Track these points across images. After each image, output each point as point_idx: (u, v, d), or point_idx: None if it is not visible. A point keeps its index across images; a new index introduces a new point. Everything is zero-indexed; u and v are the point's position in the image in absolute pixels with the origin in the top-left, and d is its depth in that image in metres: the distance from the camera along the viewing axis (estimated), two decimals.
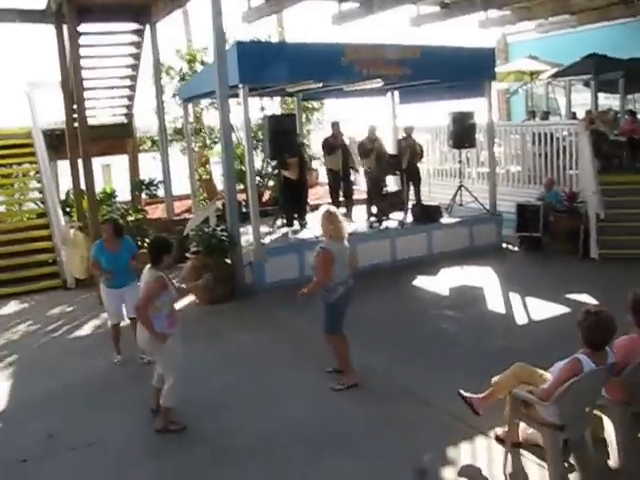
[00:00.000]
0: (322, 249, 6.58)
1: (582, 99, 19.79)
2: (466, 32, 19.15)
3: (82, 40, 12.56)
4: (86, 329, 9.50)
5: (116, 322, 7.92)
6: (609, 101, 19.03)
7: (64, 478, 5.43)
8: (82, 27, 12.43)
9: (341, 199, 13.32)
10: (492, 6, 15.62)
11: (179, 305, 9.95)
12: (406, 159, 13.32)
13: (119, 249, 7.81)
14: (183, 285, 10.43)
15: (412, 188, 13.77)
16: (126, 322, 7.93)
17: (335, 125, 13.04)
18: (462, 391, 5.68)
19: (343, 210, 12.64)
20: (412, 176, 13.65)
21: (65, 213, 12.98)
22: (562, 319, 8.54)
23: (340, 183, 13.32)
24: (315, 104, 18.39)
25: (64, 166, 14.13)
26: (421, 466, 5.21)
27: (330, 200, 13.13)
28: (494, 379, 5.49)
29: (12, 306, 10.95)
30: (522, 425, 5.27)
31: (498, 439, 5.50)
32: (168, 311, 5.98)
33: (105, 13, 12.99)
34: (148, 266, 6.08)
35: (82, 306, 10.59)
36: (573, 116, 17.67)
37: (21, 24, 13.50)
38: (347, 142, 13.44)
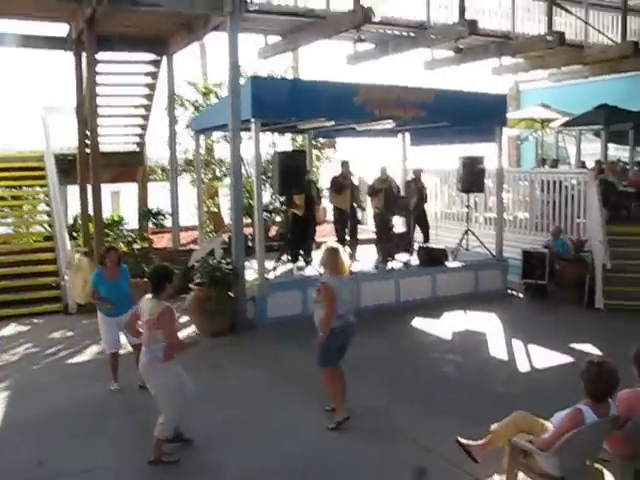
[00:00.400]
0: (323, 284, 6.59)
1: (592, 149, 19.86)
2: (479, 78, 19.33)
3: (99, 68, 12.72)
4: (85, 355, 9.45)
5: (114, 351, 7.88)
6: (619, 152, 19.10)
7: None
8: (100, 55, 12.58)
9: (347, 237, 13.30)
10: (506, 53, 15.75)
11: (179, 336, 9.94)
12: (414, 201, 13.36)
13: (118, 278, 7.82)
14: (186, 316, 10.44)
15: (420, 230, 13.78)
16: (124, 350, 7.89)
17: (345, 164, 13.10)
18: (460, 438, 5.61)
19: (348, 249, 12.62)
20: (420, 218, 13.67)
21: (71, 237, 13.01)
22: (565, 369, 8.47)
23: (347, 222, 13.30)
24: (329, 142, 18.54)
25: (74, 191, 14.20)
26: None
27: (336, 238, 13.14)
28: (493, 426, 5.42)
29: (12, 328, 10.91)
30: (520, 475, 5.18)
31: None
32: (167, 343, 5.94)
33: (124, 43, 13.20)
34: (149, 295, 6.02)
35: (82, 331, 10.53)
36: (582, 165, 17.72)
37: (43, 50, 13.72)
38: (356, 182, 13.44)
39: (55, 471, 5.87)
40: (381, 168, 13.28)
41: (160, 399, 6.01)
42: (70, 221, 14.63)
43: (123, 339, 7.93)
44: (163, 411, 5.98)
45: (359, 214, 14.03)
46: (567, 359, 8.89)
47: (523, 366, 8.79)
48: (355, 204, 13.19)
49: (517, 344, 9.69)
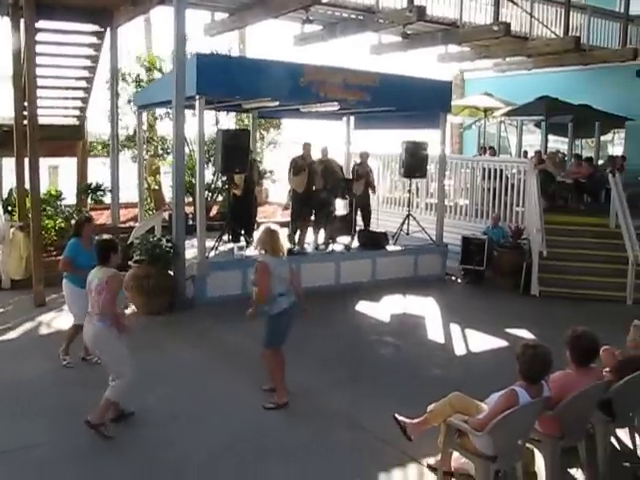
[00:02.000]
0: (259, 263, 6.58)
1: (532, 140, 20.28)
2: (425, 65, 19.45)
3: (39, 36, 12.32)
4: (19, 331, 9.21)
5: (81, 323, 7.69)
6: (557, 144, 19.56)
7: None
8: (40, 23, 12.19)
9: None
10: (452, 41, 15.92)
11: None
12: (360, 185, 13.37)
13: (91, 248, 7.69)
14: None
15: (361, 214, 13.79)
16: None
17: (307, 146, 12.85)
18: (397, 415, 5.67)
19: (299, 231, 12.61)
20: (363, 202, 13.69)
21: (6, 211, 12.64)
22: (500, 352, 8.64)
23: (302, 204, 13.06)
24: (273, 122, 18.48)
25: (9, 164, 13.79)
26: None
27: (290, 219, 12.98)
28: (430, 407, 5.49)
29: None
30: (455, 454, 5.26)
31: (430, 467, 5.48)
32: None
33: (66, 12, 12.76)
34: (97, 267, 6.13)
35: (16, 308, 10.28)
36: (524, 155, 18.06)
37: None
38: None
39: None
40: (322, 149, 13.23)
41: (112, 365, 6.02)
42: (5, 194, 14.22)
43: None
44: (115, 374, 5.98)
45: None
46: (502, 343, 9.07)
47: (460, 349, 8.93)
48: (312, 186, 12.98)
49: (454, 328, 9.84)
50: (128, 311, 9.98)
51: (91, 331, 6.03)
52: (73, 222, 12.16)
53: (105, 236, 6.57)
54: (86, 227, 7.86)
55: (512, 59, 18.27)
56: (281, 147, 19.38)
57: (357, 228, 13.40)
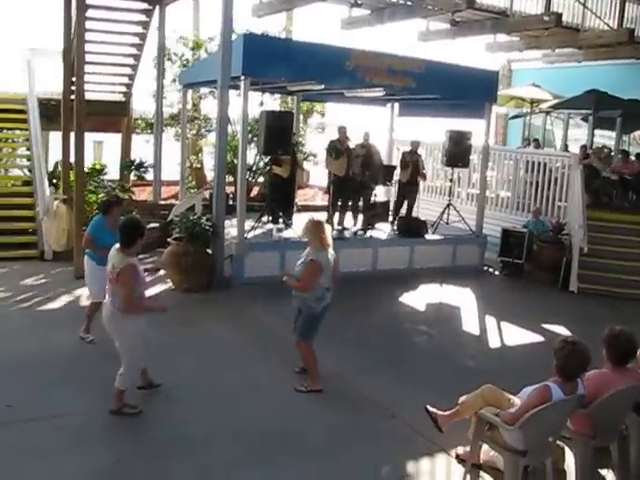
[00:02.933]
0: (312, 261, 6.51)
1: (578, 134, 19.95)
2: (472, 53, 19.20)
3: (90, 12, 12.43)
4: (58, 302, 9.37)
5: (99, 300, 7.80)
6: (603, 139, 19.19)
7: (18, 448, 5.33)
8: (91, 0, 12.32)
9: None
10: (501, 30, 15.67)
11: (155, 290, 9.92)
12: (408, 173, 13.34)
13: (116, 228, 7.78)
14: (162, 270, 10.38)
15: (406, 202, 13.78)
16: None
17: (342, 129, 12.83)
18: (428, 406, 5.66)
19: (337, 215, 12.63)
20: (410, 191, 13.67)
21: (51, 184, 12.83)
22: (535, 347, 8.58)
23: (341, 188, 13.07)
24: (318, 106, 18.45)
25: (56, 137, 14.00)
26: None
27: (328, 203, 12.98)
28: (461, 398, 5.48)
29: None
30: (484, 447, 5.25)
31: (459, 458, 5.47)
32: (138, 295, 5.91)
33: None
34: (117, 247, 5.93)
35: (56, 279, 10.46)
36: (565, 149, 17.78)
37: None
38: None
39: (25, 415, 5.84)
40: (364, 134, 13.18)
41: (120, 348, 6.00)
42: (50, 168, 14.44)
43: None
44: (124, 361, 5.98)
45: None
46: (538, 338, 9.00)
47: (494, 342, 8.88)
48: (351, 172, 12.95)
49: (490, 320, 9.79)
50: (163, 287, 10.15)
51: (104, 312, 6.06)
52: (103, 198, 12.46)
53: (131, 216, 6.39)
54: (114, 209, 7.76)
55: (562, 50, 17.96)
56: (324, 131, 19.35)
57: (400, 215, 13.38)
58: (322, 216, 7.01)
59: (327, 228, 6.72)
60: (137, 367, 6.12)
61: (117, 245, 5.93)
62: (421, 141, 14.10)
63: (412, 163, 13.47)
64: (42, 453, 5.27)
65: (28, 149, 13.62)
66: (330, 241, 6.68)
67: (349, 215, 12.97)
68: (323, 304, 6.64)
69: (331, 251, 6.69)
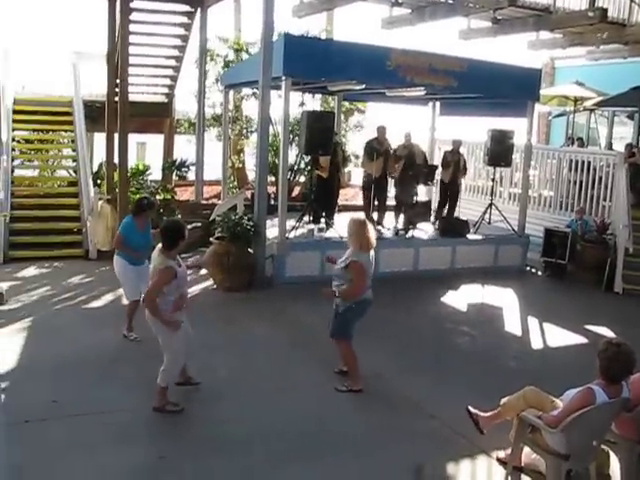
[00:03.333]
0: (354, 262, 6.47)
1: (623, 132, 19.59)
2: (514, 52, 18.99)
3: (133, 16, 12.65)
4: (102, 301, 9.55)
5: (136, 299, 7.94)
6: None
7: (63, 442, 5.44)
8: (135, 3, 12.52)
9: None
10: (544, 28, 15.46)
11: (196, 289, 10.04)
12: (449, 172, 13.29)
13: (146, 228, 7.90)
14: (204, 269, 10.49)
15: (448, 202, 13.73)
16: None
17: (381, 129, 12.82)
18: (470, 407, 5.63)
19: (375, 215, 12.61)
20: (452, 190, 13.62)
21: (95, 184, 13.07)
22: (578, 349, 8.46)
23: (375, 188, 13.04)
24: (360, 106, 18.43)
25: (100, 138, 14.23)
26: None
27: (363, 203, 12.97)
28: (503, 400, 5.43)
29: (33, 269, 11.04)
30: (526, 449, 5.19)
31: (500, 461, 5.43)
32: (176, 297, 5.95)
33: None
34: (159, 249, 6.00)
35: (101, 277, 10.63)
36: (610, 147, 17.46)
37: None
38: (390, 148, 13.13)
39: (69, 411, 5.96)
40: (405, 134, 13.14)
41: (162, 344, 6.07)
42: (95, 168, 14.69)
43: None
44: (166, 359, 6.05)
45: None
46: (581, 339, 8.87)
47: (537, 343, 8.78)
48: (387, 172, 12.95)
49: (532, 321, 9.68)
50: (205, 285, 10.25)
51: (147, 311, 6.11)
52: (158, 198, 12.62)
53: (172, 219, 6.45)
54: (147, 212, 7.89)
55: (607, 47, 17.61)
56: (365, 130, 19.32)
57: (442, 215, 13.33)
58: (361, 216, 6.95)
59: (371, 228, 6.70)
60: (179, 364, 6.19)
61: (159, 246, 6.00)
62: (463, 140, 14.01)
63: (454, 162, 13.41)
64: (86, 448, 5.37)
65: (73, 150, 13.88)
66: (374, 242, 6.66)
67: (390, 215, 12.95)
68: (363, 301, 6.60)
69: (372, 253, 6.69)
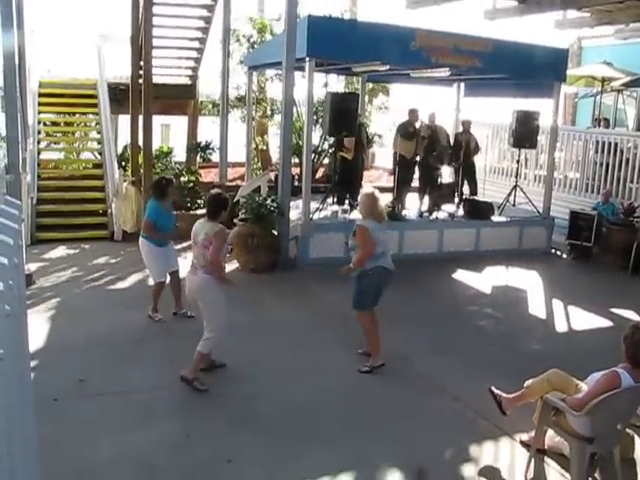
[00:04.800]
0: (359, 226, 6.58)
1: None
2: (540, 31, 18.74)
3: None
4: (127, 282, 9.64)
5: (162, 280, 8.01)
6: None
7: (90, 420, 5.54)
8: None
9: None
10: (572, 6, 15.21)
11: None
12: (461, 153, 13.21)
13: (169, 209, 7.99)
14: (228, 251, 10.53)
15: (467, 183, 13.64)
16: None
17: (414, 112, 12.79)
18: (493, 388, 5.62)
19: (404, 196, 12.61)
20: (467, 170, 13.52)
21: (120, 166, 13.15)
22: (603, 332, 8.39)
23: (409, 170, 13.04)
24: (383, 87, 18.33)
25: (125, 120, 14.30)
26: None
27: (395, 184, 12.94)
28: (527, 382, 5.42)
29: (59, 251, 11.16)
30: (550, 432, 5.19)
31: (523, 443, 5.43)
32: (223, 258, 6.20)
33: None
34: (204, 219, 6.26)
35: (126, 259, 10.73)
36: (638, 128, 17.17)
37: None
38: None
39: (96, 390, 6.07)
40: (429, 114, 13.07)
41: (209, 314, 6.20)
42: (119, 150, 14.77)
43: None
44: (211, 326, 6.17)
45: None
46: (607, 323, 8.81)
47: (561, 326, 8.74)
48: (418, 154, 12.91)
49: (557, 304, 9.62)
50: (230, 267, 10.29)
51: (197, 282, 6.20)
52: (182, 179, 12.66)
53: (216, 191, 6.64)
54: (169, 190, 7.96)
55: (636, 25, 17.32)
56: (389, 112, 19.23)
57: (463, 197, 13.24)
58: (387, 197, 6.95)
59: (380, 202, 6.73)
60: (223, 334, 6.27)
61: (203, 218, 6.29)
62: (472, 120, 13.88)
63: (465, 143, 13.29)
64: (113, 427, 5.46)
65: (98, 132, 13.97)
66: (382, 213, 6.72)
67: (415, 197, 12.91)
68: (376, 264, 6.57)
69: (383, 224, 6.71)
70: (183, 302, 7.95)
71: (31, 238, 11.47)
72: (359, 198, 6.82)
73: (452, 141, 13.61)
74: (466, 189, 13.80)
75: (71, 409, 5.72)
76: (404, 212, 12.09)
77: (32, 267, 9.55)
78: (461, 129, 13.68)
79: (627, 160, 13.14)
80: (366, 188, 7.06)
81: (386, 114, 19.26)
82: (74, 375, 6.30)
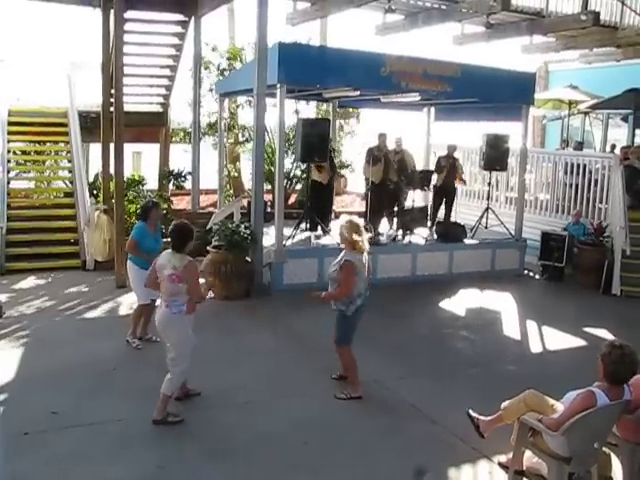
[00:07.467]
0: (347, 262, 6.49)
1: (618, 134, 19.62)
2: (508, 56, 19.03)
3: (127, 26, 12.64)
4: (100, 311, 9.53)
5: (147, 302, 7.92)
6: None
7: (63, 453, 5.42)
8: (129, 13, 12.51)
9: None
10: (537, 32, 15.51)
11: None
12: (442, 177, 13.29)
13: (156, 231, 7.99)
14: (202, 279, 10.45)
15: (444, 206, 13.72)
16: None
17: (382, 136, 12.87)
18: (471, 411, 5.62)
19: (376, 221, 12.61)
20: (447, 194, 13.62)
21: (92, 195, 13.05)
22: (577, 351, 8.47)
23: (378, 195, 13.02)
24: (353, 112, 18.47)
25: (95, 149, 14.22)
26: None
27: (364, 209, 12.96)
28: (504, 404, 5.42)
29: (30, 281, 11.01)
30: (527, 453, 5.19)
31: (501, 465, 5.42)
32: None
33: (152, 2, 13.09)
34: (170, 251, 6.10)
35: (98, 288, 10.62)
36: (612, 149, 17.40)
37: (70, 6, 13.70)
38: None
39: (68, 422, 5.95)
40: (395, 139, 13.17)
41: (175, 351, 6.05)
42: (91, 179, 14.67)
43: None
44: (175, 364, 6.04)
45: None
46: (580, 342, 8.87)
47: (536, 346, 8.78)
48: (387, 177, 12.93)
49: (531, 325, 9.67)
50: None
51: (159, 316, 6.13)
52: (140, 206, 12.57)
53: (181, 221, 6.54)
54: (153, 212, 8.06)
55: (600, 50, 17.67)
56: (359, 137, 19.35)
57: (436, 220, 13.31)
58: (360, 222, 6.94)
59: (364, 230, 6.71)
60: (185, 372, 6.17)
61: (169, 250, 6.13)
62: (457, 145, 14.02)
63: (448, 167, 13.39)
64: (86, 459, 5.36)
65: (69, 161, 13.86)
66: (366, 245, 6.67)
67: (386, 221, 12.95)
68: (356, 306, 6.58)
69: (365, 255, 6.69)
70: (149, 328, 7.90)
71: (0, 269, 11.31)
72: (340, 227, 6.75)
73: (425, 165, 13.71)
74: (441, 213, 13.88)
75: (43, 443, 5.59)
76: (378, 237, 12.11)
77: (2, 298, 9.39)
78: (444, 153, 13.76)
79: (596, 181, 13.31)
80: (342, 217, 6.99)
81: (356, 139, 19.38)
82: (46, 407, 6.18)
